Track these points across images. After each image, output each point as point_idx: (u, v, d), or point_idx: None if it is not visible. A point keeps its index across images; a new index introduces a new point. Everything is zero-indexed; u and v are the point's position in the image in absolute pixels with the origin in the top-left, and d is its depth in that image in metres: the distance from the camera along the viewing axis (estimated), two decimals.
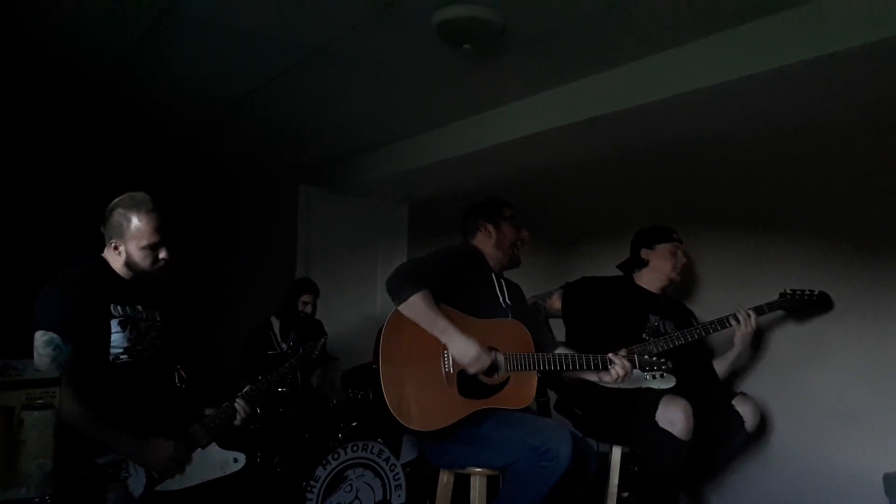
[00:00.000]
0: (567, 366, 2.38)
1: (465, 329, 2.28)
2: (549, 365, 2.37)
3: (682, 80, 2.80)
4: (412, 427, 2.22)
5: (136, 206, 2.11)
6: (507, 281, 2.65)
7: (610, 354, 2.39)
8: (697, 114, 3.08)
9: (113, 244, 2.14)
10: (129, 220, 2.10)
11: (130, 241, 2.11)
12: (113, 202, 2.16)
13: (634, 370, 2.41)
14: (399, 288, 2.26)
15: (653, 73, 2.92)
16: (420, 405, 2.23)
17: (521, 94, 3.50)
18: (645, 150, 3.65)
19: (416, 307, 2.25)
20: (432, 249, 2.54)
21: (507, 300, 2.57)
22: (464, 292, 2.40)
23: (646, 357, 2.43)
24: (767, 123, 3.11)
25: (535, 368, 2.37)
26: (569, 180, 4.16)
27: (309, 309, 4.09)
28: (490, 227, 2.60)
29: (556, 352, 2.49)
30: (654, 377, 2.44)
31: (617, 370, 2.36)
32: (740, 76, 2.60)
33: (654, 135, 3.44)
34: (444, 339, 2.27)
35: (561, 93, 3.35)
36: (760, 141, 3.19)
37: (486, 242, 2.60)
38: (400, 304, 2.26)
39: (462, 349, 2.25)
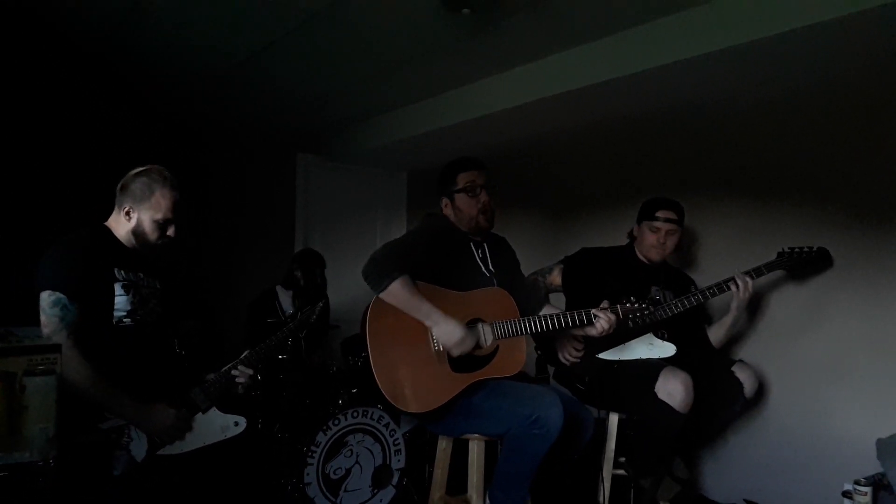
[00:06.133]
0: (553, 325, 2.35)
1: (447, 304, 2.26)
2: (536, 326, 2.35)
3: (682, 47, 2.77)
4: (410, 410, 2.21)
5: (161, 180, 2.16)
6: (490, 245, 2.58)
7: (593, 309, 2.35)
8: (697, 80, 3.04)
9: (126, 209, 2.15)
10: (151, 191, 2.15)
11: (146, 210, 2.15)
12: (137, 170, 2.19)
13: (630, 344, 2.40)
14: (377, 276, 2.20)
15: (653, 39, 2.88)
16: (414, 387, 2.22)
17: (522, 61, 3.46)
18: (642, 118, 3.62)
19: (397, 294, 2.20)
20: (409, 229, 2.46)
21: (490, 267, 2.52)
22: (442, 268, 2.36)
23: (628, 305, 2.37)
24: (767, 88, 3.08)
25: (521, 333, 2.36)
26: (568, 149, 4.13)
27: (318, 280, 4.03)
28: (447, 201, 2.53)
29: (540, 313, 2.47)
30: (650, 345, 2.43)
31: (602, 323, 2.32)
32: (739, 43, 2.59)
33: (653, 102, 3.41)
34: (428, 323, 2.24)
35: (561, 59, 3.31)
36: (759, 105, 3.16)
37: (451, 215, 2.54)
38: (380, 292, 2.21)
39: (446, 333, 2.23)
